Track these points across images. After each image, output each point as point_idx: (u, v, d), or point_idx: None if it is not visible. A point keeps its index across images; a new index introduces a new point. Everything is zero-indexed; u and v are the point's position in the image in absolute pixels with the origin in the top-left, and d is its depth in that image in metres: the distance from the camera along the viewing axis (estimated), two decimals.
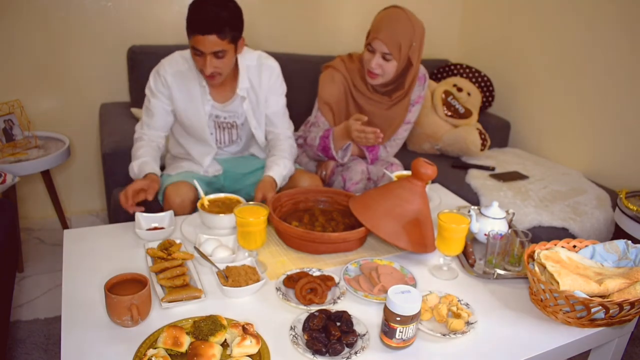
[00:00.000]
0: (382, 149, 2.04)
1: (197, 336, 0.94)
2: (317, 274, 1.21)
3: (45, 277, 2.12)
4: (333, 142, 1.87)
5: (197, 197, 1.64)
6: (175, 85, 1.65)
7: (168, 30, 2.41)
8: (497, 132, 2.72)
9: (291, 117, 1.88)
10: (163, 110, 1.68)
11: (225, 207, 1.45)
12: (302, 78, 2.45)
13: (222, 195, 1.51)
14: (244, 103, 1.72)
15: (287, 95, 1.84)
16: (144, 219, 1.39)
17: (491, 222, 1.38)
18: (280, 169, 1.65)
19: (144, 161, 1.59)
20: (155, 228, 1.38)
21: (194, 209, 1.61)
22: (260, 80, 1.72)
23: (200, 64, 1.54)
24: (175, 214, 1.51)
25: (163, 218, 1.41)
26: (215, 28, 1.46)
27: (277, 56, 2.38)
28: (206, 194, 1.73)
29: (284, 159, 1.70)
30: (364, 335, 1.01)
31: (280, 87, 1.80)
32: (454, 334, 1.03)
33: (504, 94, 2.81)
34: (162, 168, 1.98)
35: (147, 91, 1.69)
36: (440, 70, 2.85)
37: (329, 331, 0.98)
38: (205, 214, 1.38)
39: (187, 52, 1.67)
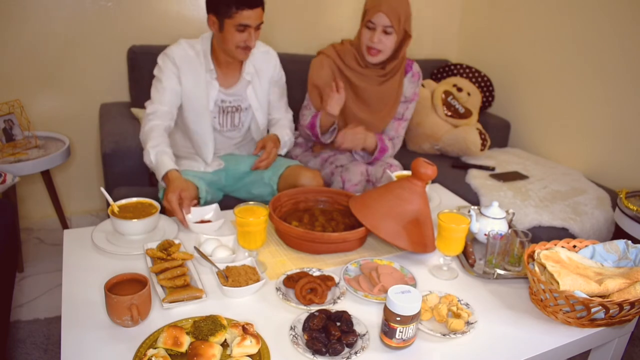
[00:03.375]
0: (391, 149, 2.03)
1: (197, 336, 0.94)
2: (317, 274, 1.21)
3: (45, 277, 2.12)
4: (319, 121, 1.93)
5: (197, 196, 1.64)
6: (183, 68, 1.70)
7: (168, 30, 2.41)
8: (497, 132, 2.72)
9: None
10: (172, 89, 1.70)
11: (137, 212, 1.36)
12: (300, 78, 2.45)
13: (133, 199, 1.42)
14: (248, 87, 1.79)
15: (287, 96, 1.89)
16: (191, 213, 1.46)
17: (491, 222, 1.38)
18: (282, 133, 1.86)
19: (160, 150, 1.60)
20: (202, 221, 1.45)
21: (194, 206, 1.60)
22: (265, 66, 1.83)
23: (244, 38, 1.62)
24: None
25: (206, 211, 1.48)
26: (259, 1, 1.60)
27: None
28: (207, 193, 1.72)
29: (285, 128, 1.91)
30: (364, 335, 1.01)
31: (281, 75, 1.92)
32: (454, 334, 1.03)
33: (504, 94, 2.81)
34: None
35: (156, 72, 1.72)
36: (440, 70, 2.85)
37: (329, 331, 0.98)
38: (116, 220, 1.31)
39: (193, 40, 1.73)
